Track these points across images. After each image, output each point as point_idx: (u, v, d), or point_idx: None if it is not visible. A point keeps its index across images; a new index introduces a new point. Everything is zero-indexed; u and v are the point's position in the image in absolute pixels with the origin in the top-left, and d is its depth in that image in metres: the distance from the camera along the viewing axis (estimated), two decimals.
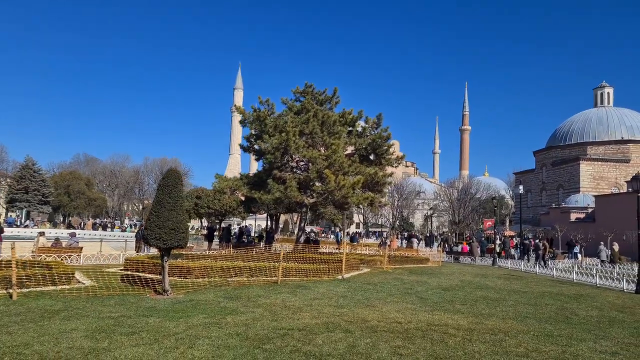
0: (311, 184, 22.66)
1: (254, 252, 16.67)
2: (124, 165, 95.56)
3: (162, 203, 10.58)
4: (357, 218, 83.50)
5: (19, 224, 54.25)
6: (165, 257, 10.77)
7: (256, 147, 24.02)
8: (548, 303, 11.95)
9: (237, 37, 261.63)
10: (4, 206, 69.03)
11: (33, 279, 10.81)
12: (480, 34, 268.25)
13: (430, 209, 45.51)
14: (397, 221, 76.36)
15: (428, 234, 54.10)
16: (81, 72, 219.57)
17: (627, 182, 14.73)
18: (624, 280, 17.43)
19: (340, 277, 14.94)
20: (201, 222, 66.83)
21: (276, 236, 36.00)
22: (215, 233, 33.95)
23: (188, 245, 31.69)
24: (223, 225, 49.01)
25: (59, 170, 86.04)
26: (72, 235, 22.37)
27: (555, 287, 16.06)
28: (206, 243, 31.69)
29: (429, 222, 66.70)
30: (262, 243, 29.47)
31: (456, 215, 68.57)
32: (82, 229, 51.85)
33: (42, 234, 20.56)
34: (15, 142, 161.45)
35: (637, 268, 18.10)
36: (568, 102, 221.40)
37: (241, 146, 25.11)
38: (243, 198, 26.71)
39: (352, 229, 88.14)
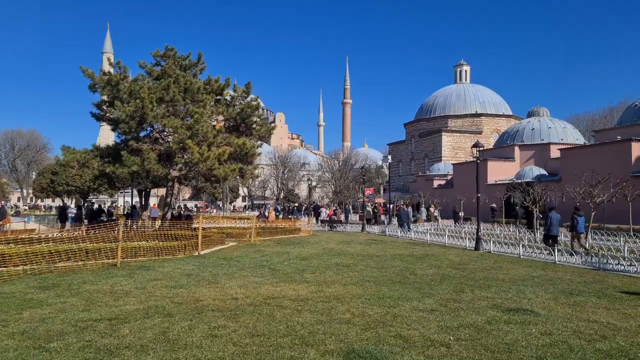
0: (178, 155, 21.06)
1: (96, 232, 14.85)
2: None
3: None
4: (242, 191, 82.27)
5: None
6: None
7: (110, 115, 21.42)
8: (394, 265, 12.59)
9: None
10: None
11: None
12: (357, 9, 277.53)
13: (308, 180, 46.22)
14: (282, 193, 77.05)
15: (313, 205, 55.29)
16: None
17: (477, 150, 16.68)
18: (467, 239, 19.44)
19: (196, 253, 14.07)
20: (62, 201, 59.69)
21: (159, 212, 33.34)
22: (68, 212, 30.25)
23: (31, 227, 27.67)
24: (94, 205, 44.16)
25: None
26: None
27: (408, 249, 17.19)
28: (59, 224, 28.14)
29: (312, 193, 68.38)
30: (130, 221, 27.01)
31: (337, 185, 71.58)
32: None
33: None
34: None
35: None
36: (435, 77, 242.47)
37: (92, 114, 22.18)
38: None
39: (239, 202, 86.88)
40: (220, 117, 23.50)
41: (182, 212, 33.25)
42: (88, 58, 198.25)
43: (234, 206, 76.13)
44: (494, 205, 34.01)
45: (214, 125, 22.36)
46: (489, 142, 55.39)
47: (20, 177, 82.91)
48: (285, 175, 78.41)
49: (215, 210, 62.40)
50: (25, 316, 6.63)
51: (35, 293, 8.27)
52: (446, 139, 60.31)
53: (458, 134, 60.89)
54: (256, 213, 43.21)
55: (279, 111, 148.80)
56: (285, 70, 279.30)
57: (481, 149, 18.78)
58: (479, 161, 18.54)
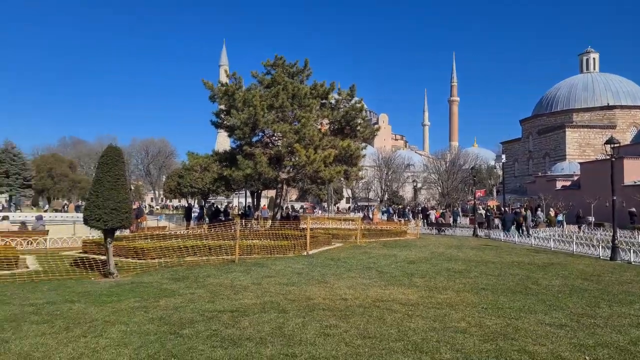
0: (286, 159, 22.07)
1: (214, 230, 16.15)
2: None
3: (102, 182, 9.96)
4: (346, 193, 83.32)
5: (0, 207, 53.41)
6: (109, 239, 10.23)
7: (226, 123, 23.25)
8: (513, 273, 11.61)
9: (222, 14, 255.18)
10: None
11: None
12: (465, 2, 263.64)
13: (414, 181, 45.07)
14: (386, 195, 76.27)
15: (421, 207, 53.73)
16: (67, 54, 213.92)
17: (612, 147, 14.19)
18: (600, 247, 17.19)
19: (305, 253, 14.53)
20: (187, 202, 66.29)
21: (269, 213, 35.48)
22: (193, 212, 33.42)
23: (163, 224, 31.08)
24: (218, 205, 48.31)
25: (45, 153, 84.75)
26: (39, 218, 21.71)
27: (528, 257, 15.77)
28: (185, 222, 31.24)
29: (417, 195, 66.57)
30: (245, 221, 29.07)
31: (445, 187, 68.64)
32: (65, 211, 51.15)
33: (5, 218, 19.93)
34: None
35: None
36: (554, 69, 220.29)
37: (212, 122, 24.29)
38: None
39: (342, 204, 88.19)
40: (325, 121, 24.05)
41: (290, 212, 34.70)
42: (205, 71, 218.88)
43: (338, 207, 77.33)
44: (633, 209, 29.65)
45: (319, 129, 22.96)
46: (625, 137, 48.55)
47: (152, 180, 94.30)
48: (389, 177, 77.40)
49: (320, 212, 64.03)
50: (162, 304, 7.43)
51: (169, 284, 9.25)
52: (571, 135, 54.17)
53: (586, 129, 54.31)
54: (360, 214, 43.32)
55: (382, 112, 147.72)
56: (388, 71, 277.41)
57: (616, 145, 16.50)
58: (614, 159, 16.31)
